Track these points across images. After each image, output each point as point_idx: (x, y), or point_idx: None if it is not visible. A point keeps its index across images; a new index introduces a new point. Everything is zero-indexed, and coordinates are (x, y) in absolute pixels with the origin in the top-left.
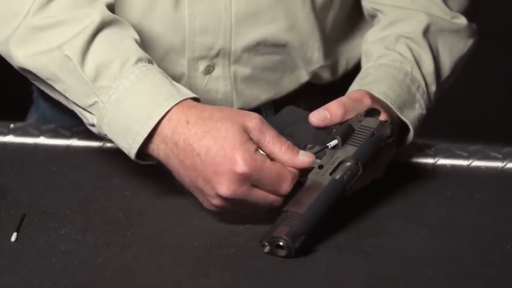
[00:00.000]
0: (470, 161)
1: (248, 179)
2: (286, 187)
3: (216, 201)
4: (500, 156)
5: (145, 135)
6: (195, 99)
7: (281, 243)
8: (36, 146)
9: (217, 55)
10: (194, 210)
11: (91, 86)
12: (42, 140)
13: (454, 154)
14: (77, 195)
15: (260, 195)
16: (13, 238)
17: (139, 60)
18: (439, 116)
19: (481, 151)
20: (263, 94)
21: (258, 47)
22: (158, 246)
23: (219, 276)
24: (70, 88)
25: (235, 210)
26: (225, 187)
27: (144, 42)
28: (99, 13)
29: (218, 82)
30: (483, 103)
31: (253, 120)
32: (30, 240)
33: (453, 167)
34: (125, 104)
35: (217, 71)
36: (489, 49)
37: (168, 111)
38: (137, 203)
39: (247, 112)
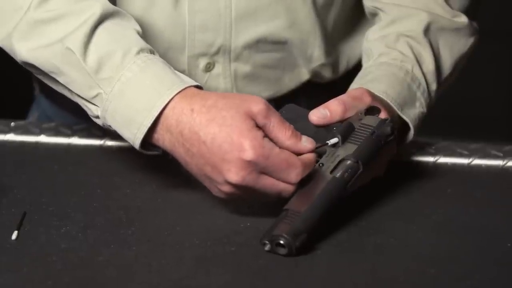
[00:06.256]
0: (470, 160)
1: (256, 166)
2: (295, 175)
3: (226, 188)
4: (501, 155)
5: (149, 124)
6: (198, 87)
7: (281, 242)
8: (37, 145)
9: (217, 52)
10: (195, 208)
11: (93, 78)
12: (43, 139)
13: (455, 152)
14: (77, 193)
15: (269, 183)
16: (14, 236)
17: (141, 50)
18: (439, 114)
19: (482, 149)
20: (263, 92)
21: (258, 44)
22: (158, 244)
23: (219, 274)
24: (73, 80)
25: (244, 198)
26: (234, 174)
27: (144, 40)
28: (100, 5)
29: (218, 79)
30: (484, 101)
31: (258, 105)
32: (31, 238)
33: (454, 165)
34: (128, 95)
35: (217, 69)
36: (490, 47)
37: (171, 99)
38: (137, 201)
39: (251, 96)
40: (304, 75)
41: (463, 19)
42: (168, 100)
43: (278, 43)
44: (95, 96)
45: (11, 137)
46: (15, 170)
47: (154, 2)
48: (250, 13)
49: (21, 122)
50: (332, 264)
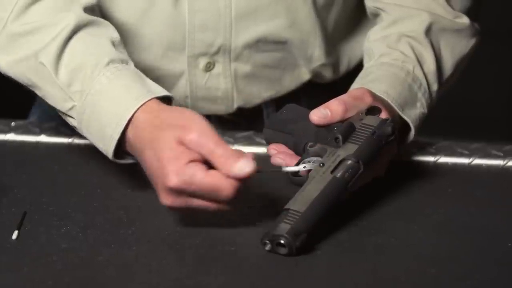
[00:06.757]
0: (471, 159)
1: (182, 192)
2: (224, 196)
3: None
4: (501, 154)
5: (117, 137)
6: (167, 98)
7: (282, 241)
8: (37, 144)
9: (217, 52)
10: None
11: (66, 91)
12: (43, 138)
13: (455, 152)
14: (78, 193)
15: (202, 204)
16: (14, 236)
17: (111, 61)
18: (440, 114)
19: (482, 149)
20: (264, 92)
21: (259, 44)
22: (159, 244)
23: (220, 274)
24: (49, 93)
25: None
26: (163, 198)
27: (144, 40)
28: (74, 16)
29: (219, 79)
30: (484, 101)
31: (190, 135)
32: (31, 238)
33: (454, 165)
34: (98, 107)
35: (218, 68)
36: (491, 47)
37: (136, 111)
38: (138, 201)
39: (193, 121)
40: (305, 75)
41: (464, 20)
42: (133, 112)
43: (278, 43)
44: (70, 109)
45: (11, 136)
46: (15, 169)
47: (154, 1)
48: (250, 12)
49: (21, 122)
50: (332, 264)
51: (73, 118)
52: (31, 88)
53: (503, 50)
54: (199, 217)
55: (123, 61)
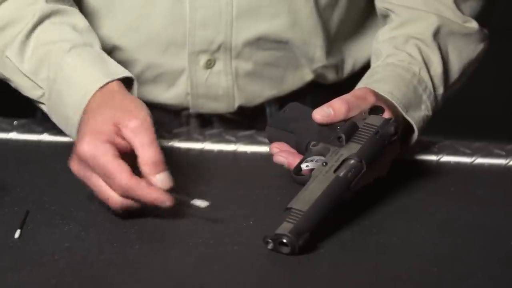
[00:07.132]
0: (473, 158)
1: (85, 163)
2: (117, 185)
3: None
4: (504, 153)
5: (77, 123)
6: (127, 79)
7: (284, 240)
8: (39, 143)
9: (218, 49)
10: (197, 207)
11: (33, 80)
12: (46, 137)
13: (458, 151)
14: (80, 192)
15: (98, 185)
16: (16, 235)
17: (73, 47)
18: (442, 113)
19: (485, 148)
20: (266, 91)
21: (260, 42)
22: (161, 243)
23: (222, 273)
24: (19, 84)
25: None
26: (71, 162)
27: (144, 36)
28: (39, 7)
29: (219, 77)
30: (487, 100)
31: (132, 121)
32: (34, 237)
33: (457, 164)
34: (61, 94)
35: (218, 66)
36: (494, 45)
37: (93, 95)
38: None
39: (140, 112)
40: (307, 75)
41: (473, 24)
42: (90, 97)
43: (279, 42)
44: (41, 96)
45: (14, 135)
46: (17, 168)
47: None
48: (251, 10)
49: (24, 121)
50: (335, 263)
51: (43, 104)
52: (6, 81)
53: (506, 48)
54: (202, 215)
55: (86, 44)
